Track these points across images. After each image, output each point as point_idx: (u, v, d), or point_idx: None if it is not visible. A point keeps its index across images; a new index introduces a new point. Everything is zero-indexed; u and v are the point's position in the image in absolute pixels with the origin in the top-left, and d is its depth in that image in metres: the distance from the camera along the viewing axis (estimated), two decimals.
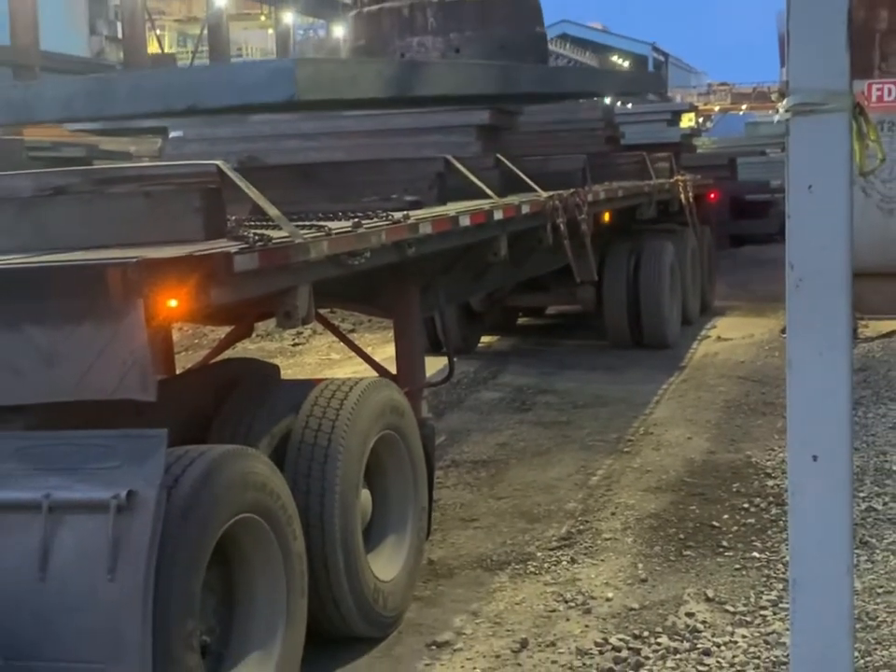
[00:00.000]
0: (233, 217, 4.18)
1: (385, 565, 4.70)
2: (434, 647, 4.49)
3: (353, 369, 9.01)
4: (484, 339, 11.40)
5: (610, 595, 4.92)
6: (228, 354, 6.35)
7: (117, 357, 3.25)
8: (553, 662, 4.32)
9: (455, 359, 6.54)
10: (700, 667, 4.19)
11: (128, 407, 3.36)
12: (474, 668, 4.31)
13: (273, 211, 4.14)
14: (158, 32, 39.77)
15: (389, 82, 4.15)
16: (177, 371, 5.80)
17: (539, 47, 5.80)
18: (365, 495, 4.63)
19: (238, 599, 3.79)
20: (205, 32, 37.52)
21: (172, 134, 9.48)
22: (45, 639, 3.13)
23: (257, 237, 3.79)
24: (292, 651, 3.91)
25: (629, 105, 16.94)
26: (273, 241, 3.88)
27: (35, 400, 3.41)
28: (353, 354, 7.28)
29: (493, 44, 5.44)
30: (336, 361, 10.53)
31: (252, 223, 4.34)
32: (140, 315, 3.24)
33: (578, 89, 5.40)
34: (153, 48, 37.16)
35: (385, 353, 8.14)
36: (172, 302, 3.39)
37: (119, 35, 34.93)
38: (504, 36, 5.52)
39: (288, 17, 40.18)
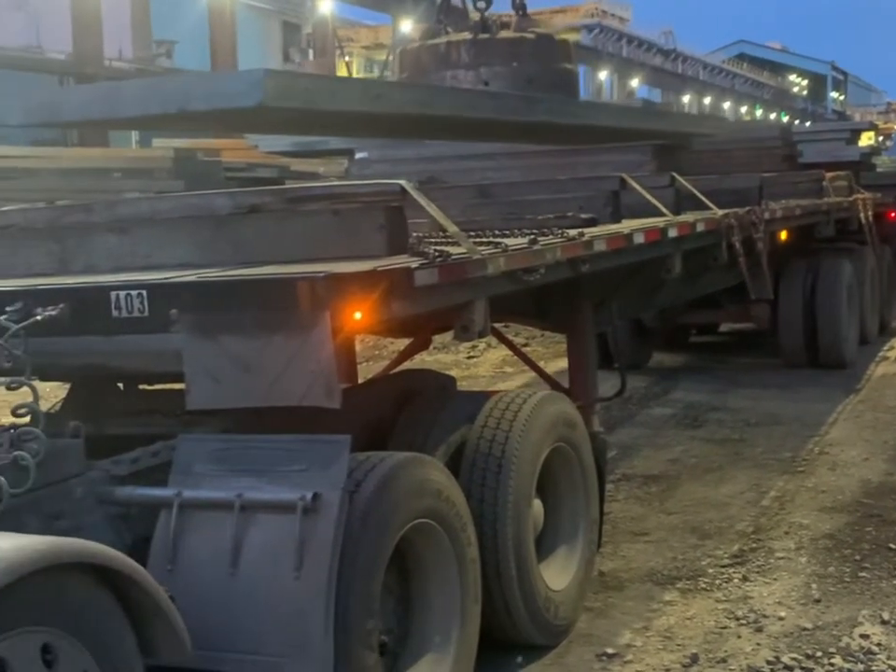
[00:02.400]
0: (415, 234, 4.25)
1: (557, 574, 4.69)
2: (604, 657, 4.45)
3: (526, 382, 9.02)
4: (656, 355, 11.25)
5: (783, 613, 4.79)
6: (406, 365, 6.46)
7: (305, 366, 3.34)
8: None
9: (626, 375, 6.48)
10: None
11: (313, 413, 3.44)
12: None
13: (452, 228, 4.19)
14: (347, 58, 40.74)
15: (371, 99, 4.19)
16: (359, 381, 5.93)
17: (566, 81, 5.87)
18: (537, 505, 4.63)
19: (414, 602, 3.84)
20: (391, 58, 38.24)
21: (357, 156, 9.71)
22: (232, 632, 3.24)
23: (437, 253, 3.85)
24: (466, 654, 3.94)
25: (807, 123, 16.49)
26: (453, 257, 3.93)
27: (230, 405, 3.53)
28: (526, 367, 7.30)
29: (521, 78, 5.59)
30: (510, 374, 10.56)
31: (432, 240, 4.40)
32: (327, 327, 3.32)
33: (590, 121, 5.40)
34: (342, 72, 38.09)
35: (558, 367, 8.13)
36: (356, 315, 3.47)
37: (311, 62, 35.94)
38: (532, 71, 5.65)
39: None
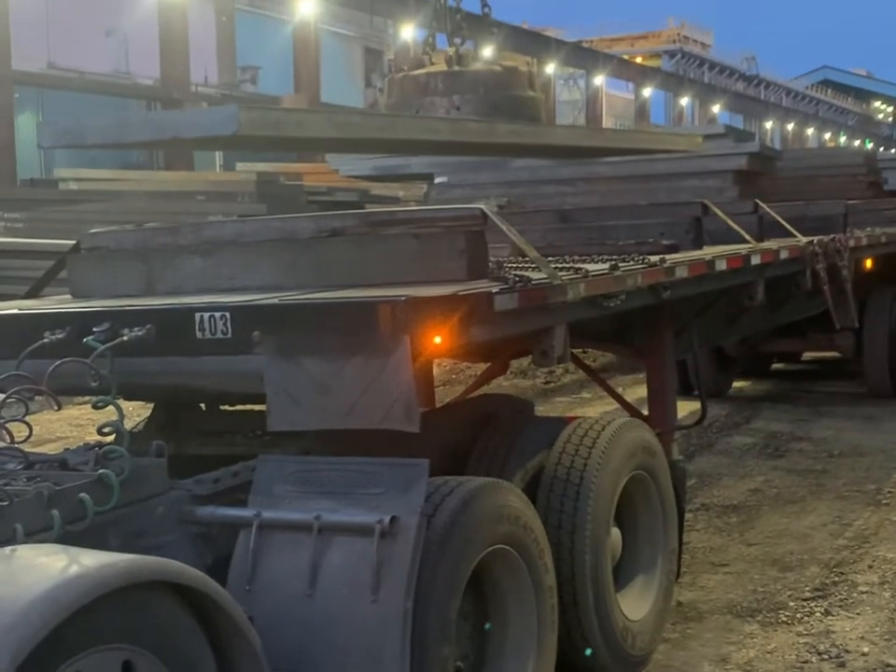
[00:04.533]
0: (495, 259, 4.25)
1: (634, 604, 4.62)
2: None
3: (604, 408, 8.95)
4: (737, 383, 11.10)
5: (866, 649, 4.67)
6: (484, 390, 6.44)
7: (384, 390, 3.35)
8: None
9: (707, 402, 6.40)
10: None
11: (392, 436, 3.45)
12: None
13: (532, 253, 4.18)
14: None
15: (335, 127, 4.74)
16: (437, 405, 5.93)
17: (529, 106, 6.66)
18: (615, 533, 4.58)
19: (491, 630, 3.81)
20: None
21: (437, 180, 9.77)
22: (309, 654, 3.24)
23: (517, 278, 3.84)
24: None
25: (892, 151, 16.21)
26: (533, 282, 3.92)
27: (310, 427, 3.55)
28: (605, 394, 7.24)
29: (486, 104, 6.42)
30: (587, 400, 10.49)
31: (512, 264, 4.39)
32: (407, 351, 3.33)
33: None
34: None
35: (637, 394, 8.05)
36: (436, 339, 3.47)
37: None
38: (496, 98, 6.48)
39: (550, 67, 40.60)
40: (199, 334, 3.60)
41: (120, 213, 14.12)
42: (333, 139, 5.08)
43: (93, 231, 5.04)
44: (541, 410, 8.64)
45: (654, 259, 4.88)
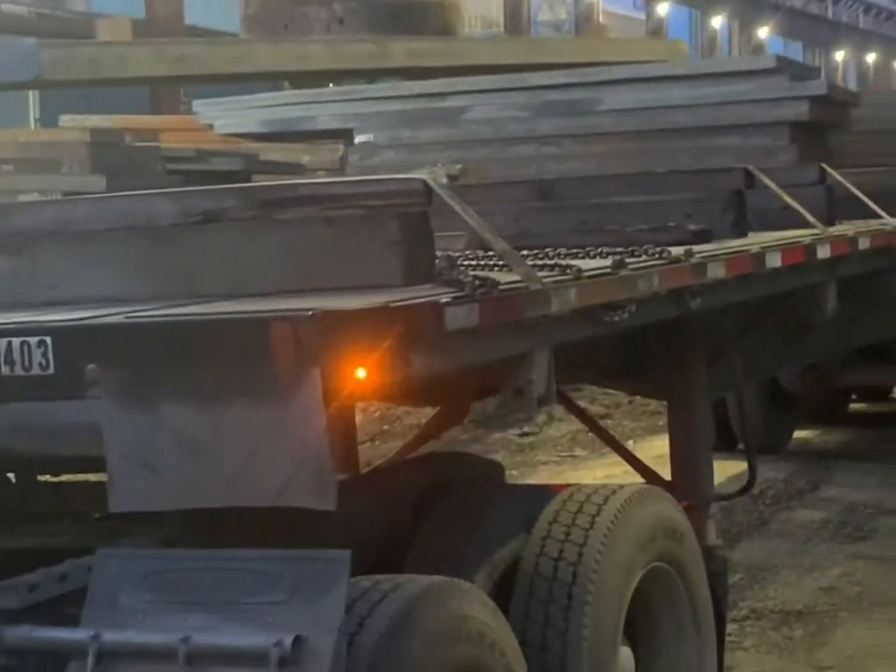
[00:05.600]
0: (445, 253, 4.25)
1: None
2: None
3: (607, 471, 8.98)
4: (800, 433, 11.19)
5: None
6: (432, 446, 6.43)
7: (283, 449, 3.33)
8: None
9: (757, 461, 6.44)
10: None
11: (296, 518, 3.43)
12: None
13: (500, 244, 4.19)
14: None
15: (171, 63, 4.66)
16: (363, 470, 5.92)
17: (439, 16, 6.48)
18: (626, 654, 4.60)
19: None
20: None
21: (358, 139, 9.79)
22: None
23: (477, 281, 3.84)
24: None
25: None
26: (501, 286, 3.92)
27: (172, 506, 3.52)
28: (607, 449, 7.26)
29: (381, 13, 6.16)
30: (582, 459, 10.53)
31: (471, 261, 4.40)
32: (316, 390, 3.31)
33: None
34: None
35: (655, 450, 8.09)
36: (359, 373, 3.46)
37: None
38: (393, 5, 6.22)
39: None
40: (5, 369, 3.57)
41: None
42: (169, 77, 5.05)
43: None
44: (516, 474, 8.65)
45: (677, 251, 4.92)
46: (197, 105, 12.20)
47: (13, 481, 4.54)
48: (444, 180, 4.77)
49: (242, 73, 4.72)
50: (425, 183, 4.07)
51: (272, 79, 6.15)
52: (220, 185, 5.77)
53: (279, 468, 3.38)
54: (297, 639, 3.23)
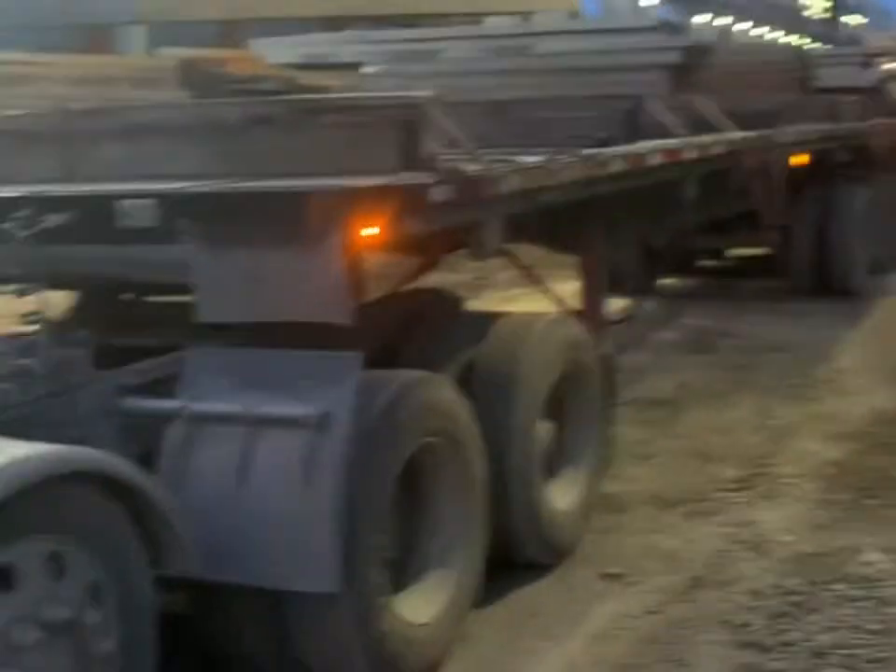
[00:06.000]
0: (429, 150, 4.17)
1: (562, 495, 4.69)
2: (607, 578, 4.47)
3: (535, 305, 8.97)
4: (663, 280, 11.17)
5: (787, 539, 4.80)
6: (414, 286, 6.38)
7: (316, 281, 3.31)
8: (726, 601, 4.25)
9: (635, 299, 6.44)
10: (878, 615, 4.05)
11: (325, 330, 3.41)
12: (647, 602, 4.28)
13: (468, 145, 4.12)
14: None
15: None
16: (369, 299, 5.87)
17: None
18: (545, 426, 4.62)
19: (422, 520, 3.85)
20: None
21: (366, 70, 9.57)
22: (240, 545, 3.23)
23: (452, 170, 3.78)
24: (471, 572, 3.95)
25: (822, 47, 16.24)
26: (467, 174, 3.87)
27: (240, 319, 3.50)
28: (536, 290, 7.24)
29: None
30: (518, 296, 10.49)
31: (448, 156, 4.33)
32: (339, 241, 3.28)
33: None
34: None
35: (568, 290, 8.07)
36: (369, 230, 3.42)
37: None
38: None
39: None
40: (123, 222, 3.51)
41: (38, 97, 13.66)
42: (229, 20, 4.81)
43: (9, 113, 4.85)
44: (472, 306, 8.64)
45: (589, 152, 4.85)
46: (253, 43, 11.86)
47: (131, 299, 4.50)
48: (433, 98, 4.66)
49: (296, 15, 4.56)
50: (419, 99, 3.98)
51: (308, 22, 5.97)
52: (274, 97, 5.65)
53: (313, 294, 3.36)
54: (324, 412, 3.24)
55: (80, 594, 2.69)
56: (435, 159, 4.04)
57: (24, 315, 3.40)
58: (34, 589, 2.57)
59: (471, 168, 3.96)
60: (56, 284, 4.16)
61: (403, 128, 3.89)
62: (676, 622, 4.13)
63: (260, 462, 3.27)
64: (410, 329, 4.67)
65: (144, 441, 3.44)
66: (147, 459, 3.32)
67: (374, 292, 3.72)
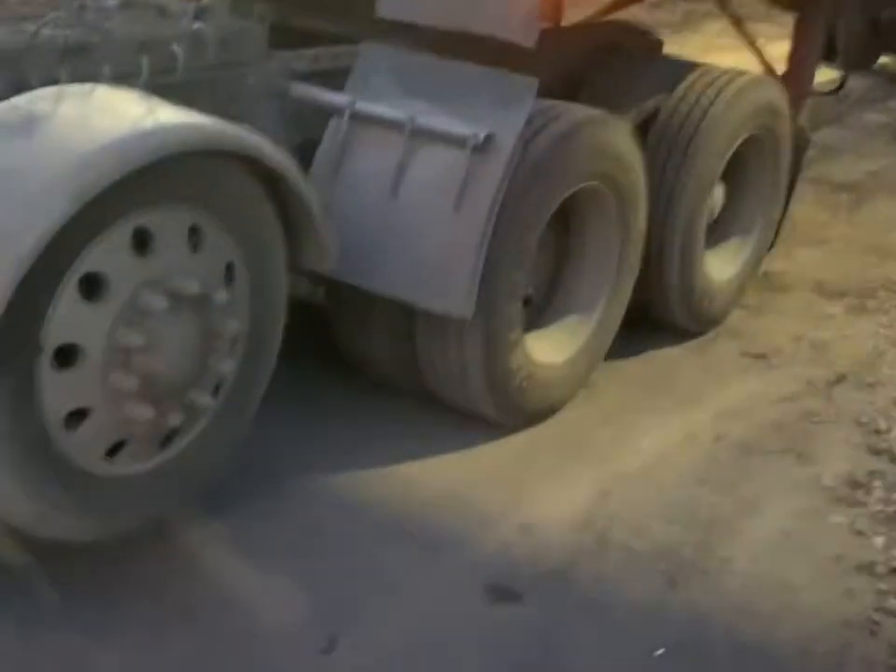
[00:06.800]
0: None
1: (721, 265, 4.48)
2: (749, 357, 4.32)
3: (739, 60, 8.42)
4: (884, 59, 10.32)
5: None
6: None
7: None
8: (867, 403, 4.06)
9: (847, 73, 5.93)
10: None
11: (505, 51, 3.19)
12: (783, 388, 4.12)
13: None
14: None
15: None
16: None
17: None
18: (719, 190, 4.37)
19: (570, 264, 3.72)
20: None
21: None
22: (382, 253, 3.17)
23: None
24: (610, 322, 3.85)
25: None
26: None
27: (423, 21, 3.29)
28: (744, 45, 6.75)
29: None
30: (723, 48, 9.86)
31: None
32: None
33: None
34: None
35: (778, 51, 7.51)
36: None
37: None
38: None
39: None
40: None
41: None
42: None
43: None
44: (672, 49, 8.15)
45: None
46: None
47: None
48: None
49: None
50: None
51: None
52: None
53: (502, 7, 3.14)
54: (488, 135, 3.08)
55: (214, 271, 2.67)
56: None
57: None
58: (168, 258, 2.55)
59: None
60: None
61: None
62: (809, 413, 3.99)
63: (417, 176, 3.17)
64: (598, 64, 4.38)
65: (305, 130, 3.34)
66: (304, 151, 3.23)
67: (568, 18, 3.42)
